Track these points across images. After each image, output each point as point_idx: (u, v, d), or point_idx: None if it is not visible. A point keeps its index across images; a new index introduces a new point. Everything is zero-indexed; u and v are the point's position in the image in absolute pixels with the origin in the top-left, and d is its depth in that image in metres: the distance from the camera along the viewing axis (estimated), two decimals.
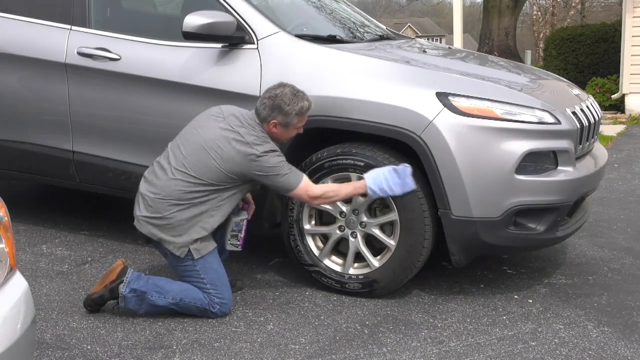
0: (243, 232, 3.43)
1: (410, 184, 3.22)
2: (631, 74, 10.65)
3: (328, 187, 3.28)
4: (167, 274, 3.74)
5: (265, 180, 3.15)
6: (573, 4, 31.00)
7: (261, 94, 3.49)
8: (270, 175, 3.13)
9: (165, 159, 3.25)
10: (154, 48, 3.81)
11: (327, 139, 3.51)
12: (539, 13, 32.41)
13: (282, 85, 3.23)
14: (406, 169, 3.22)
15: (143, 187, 3.27)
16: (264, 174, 3.13)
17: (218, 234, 3.39)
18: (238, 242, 3.43)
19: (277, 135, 3.25)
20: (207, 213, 3.18)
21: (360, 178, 3.35)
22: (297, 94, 3.21)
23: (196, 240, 3.17)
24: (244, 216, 3.43)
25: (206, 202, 3.16)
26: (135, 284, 3.18)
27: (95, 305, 3.27)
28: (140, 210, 3.23)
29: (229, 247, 3.44)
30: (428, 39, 10.77)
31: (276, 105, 3.17)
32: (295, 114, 3.19)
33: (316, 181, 3.44)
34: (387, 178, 3.21)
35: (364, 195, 3.29)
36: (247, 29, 3.62)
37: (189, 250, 3.17)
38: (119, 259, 3.40)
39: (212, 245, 3.25)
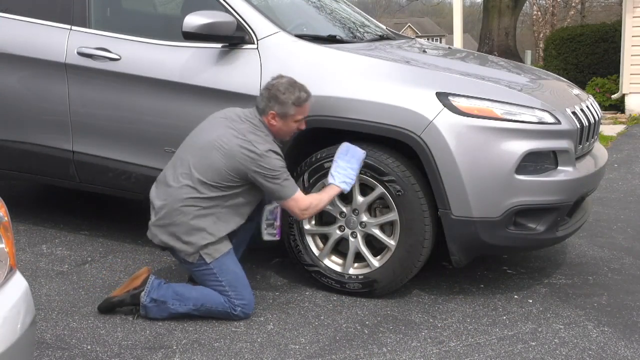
0: (278, 220, 3.38)
1: (359, 153, 3.26)
2: (631, 74, 10.65)
3: (312, 199, 3.25)
4: (168, 274, 3.75)
5: (264, 181, 3.12)
6: (573, 4, 31.01)
7: None
8: (269, 178, 3.11)
9: (172, 166, 3.24)
10: (154, 48, 3.81)
11: (327, 139, 3.51)
12: (539, 13, 32.42)
13: (280, 76, 3.24)
14: (343, 145, 3.28)
15: (152, 194, 3.26)
16: (263, 175, 3.10)
17: (240, 232, 3.36)
18: (275, 231, 3.38)
19: (277, 130, 3.22)
20: (215, 219, 3.16)
21: (361, 178, 3.36)
22: (294, 84, 3.20)
23: (206, 246, 3.16)
24: (276, 204, 3.35)
25: (211, 208, 3.15)
26: (155, 294, 3.16)
27: (112, 309, 3.24)
28: (151, 219, 3.23)
29: (266, 238, 3.37)
30: (428, 39, 10.77)
31: (272, 95, 3.16)
32: (291, 103, 3.17)
33: (316, 181, 3.44)
34: (342, 166, 3.24)
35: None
36: (247, 29, 3.62)
37: (200, 256, 3.16)
38: (145, 266, 3.36)
39: (225, 247, 3.22)
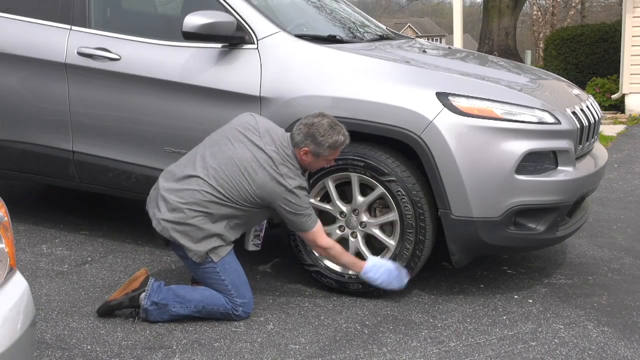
0: (264, 231, 3.45)
1: (403, 285, 3.32)
2: (631, 74, 10.65)
3: (335, 246, 3.26)
4: (168, 274, 3.75)
5: (285, 213, 3.14)
6: (573, 4, 31.00)
7: (261, 94, 3.51)
8: (292, 212, 3.13)
9: (192, 164, 3.20)
10: (154, 48, 3.81)
11: None
12: (539, 13, 32.42)
13: (321, 115, 3.20)
14: (407, 274, 3.34)
15: (164, 189, 3.19)
16: (287, 209, 3.12)
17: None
18: (259, 242, 3.46)
19: (306, 164, 3.22)
20: (229, 227, 3.17)
21: (361, 178, 3.36)
22: (333, 126, 3.17)
23: (215, 247, 3.16)
24: None
25: (231, 218, 3.16)
26: (156, 297, 3.15)
27: (111, 312, 3.23)
28: (161, 213, 3.16)
29: (251, 248, 3.44)
30: (428, 39, 10.77)
31: (310, 134, 3.14)
32: (327, 146, 3.16)
33: (316, 181, 3.45)
34: (389, 273, 3.28)
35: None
36: (247, 29, 3.62)
37: (207, 255, 3.15)
38: (144, 267, 3.36)
39: (230, 246, 3.23)
